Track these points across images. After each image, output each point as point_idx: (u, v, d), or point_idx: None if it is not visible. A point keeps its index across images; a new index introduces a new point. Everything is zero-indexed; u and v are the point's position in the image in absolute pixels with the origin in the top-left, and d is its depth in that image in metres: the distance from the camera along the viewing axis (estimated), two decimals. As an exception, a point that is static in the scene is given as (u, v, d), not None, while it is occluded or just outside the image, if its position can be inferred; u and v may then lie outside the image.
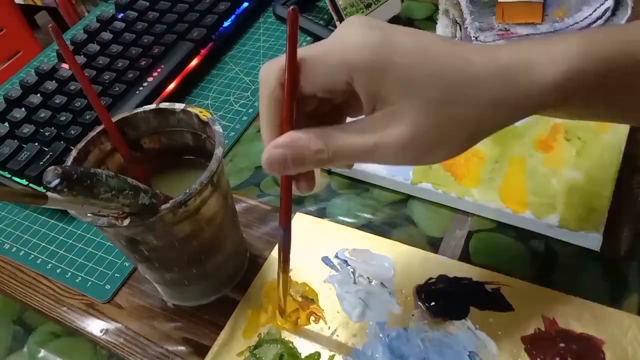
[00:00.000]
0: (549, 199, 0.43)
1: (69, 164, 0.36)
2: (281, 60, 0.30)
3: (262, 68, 0.32)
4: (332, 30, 0.63)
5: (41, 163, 0.52)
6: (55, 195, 0.28)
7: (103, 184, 0.29)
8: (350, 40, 0.29)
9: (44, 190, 0.27)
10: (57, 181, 0.26)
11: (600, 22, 0.54)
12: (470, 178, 0.46)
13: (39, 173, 0.52)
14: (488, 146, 0.48)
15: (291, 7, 0.29)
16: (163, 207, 0.33)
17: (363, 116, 0.31)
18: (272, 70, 0.31)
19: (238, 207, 0.49)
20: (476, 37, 0.58)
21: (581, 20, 0.55)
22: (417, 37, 0.29)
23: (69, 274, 0.47)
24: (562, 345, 0.36)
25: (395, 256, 0.43)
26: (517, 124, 0.48)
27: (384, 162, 0.30)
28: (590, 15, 0.55)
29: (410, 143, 0.29)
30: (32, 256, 0.49)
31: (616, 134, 0.46)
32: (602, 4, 0.54)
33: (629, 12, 0.54)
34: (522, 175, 0.45)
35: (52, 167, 0.26)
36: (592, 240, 0.41)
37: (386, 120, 0.29)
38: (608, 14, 0.54)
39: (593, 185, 0.43)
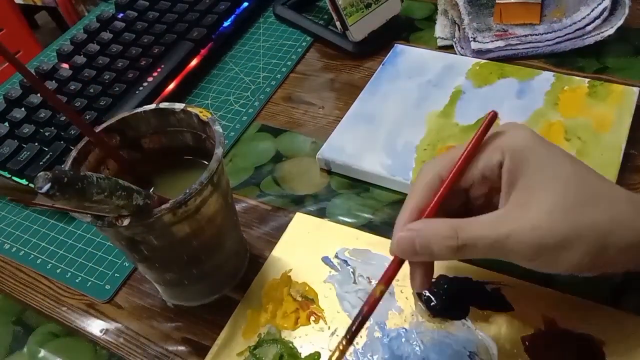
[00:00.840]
0: None
1: (69, 164, 0.36)
2: (448, 156, 0.34)
3: (428, 163, 0.35)
4: (332, 30, 0.64)
5: (41, 163, 0.52)
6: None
7: (94, 186, 0.29)
8: (508, 130, 0.33)
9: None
10: (48, 186, 0.26)
11: (598, 22, 0.54)
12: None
13: (39, 173, 0.51)
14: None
15: (493, 111, 0.33)
16: (163, 207, 0.33)
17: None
18: (436, 163, 0.34)
19: (238, 207, 0.49)
20: (474, 38, 0.58)
21: (579, 21, 0.55)
22: (562, 151, 0.32)
23: (69, 274, 0.47)
24: (562, 345, 0.36)
25: (395, 256, 0.43)
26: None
27: (513, 257, 0.30)
28: (588, 15, 0.55)
29: (543, 234, 0.29)
30: (32, 256, 0.49)
31: (617, 133, 0.46)
32: (600, 4, 0.54)
33: (627, 11, 0.54)
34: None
35: (42, 172, 0.26)
36: None
37: (522, 208, 0.30)
38: (606, 13, 0.54)
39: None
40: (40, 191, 0.26)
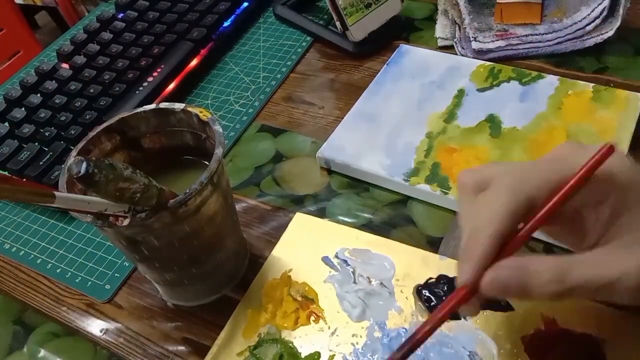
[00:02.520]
0: None
1: (69, 164, 0.36)
2: (533, 174, 0.30)
3: (506, 176, 0.30)
4: (332, 30, 0.64)
5: (41, 163, 0.52)
6: (62, 193, 0.28)
7: (118, 163, 0.29)
8: (609, 161, 0.28)
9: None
10: (84, 165, 0.27)
11: (597, 21, 0.54)
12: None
13: (39, 173, 0.52)
14: (488, 149, 0.48)
15: (610, 144, 0.28)
16: (178, 198, 0.33)
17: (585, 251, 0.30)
18: (523, 182, 0.29)
19: (238, 207, 0.49)
20: (475, 38, 0.58)
21: (579, 21, 0.55)
22: None
23: (69, 273, 0.47)
24: (562, 345, 0.36)
25: (395, 256, 0.43)
26: (518, 127, 0.49)
27: (620, 298, 0.29)
28: (588, 15, 0.55)
29: None
30: (32, 256, 0.49)
31: (619, 139, 0.46)
32: (600, 4, 0.54)
33: (622, 12, 0.54)
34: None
35: (72, 159, 0.27)
36: None
37: (629, 248, 0.28)
38: (605, 13, 0.54)
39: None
40: (79, 174, 0.27)
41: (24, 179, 0.53)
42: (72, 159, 0.27)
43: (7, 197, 0.26)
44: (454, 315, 0.39)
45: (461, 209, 0.32)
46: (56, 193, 0.28)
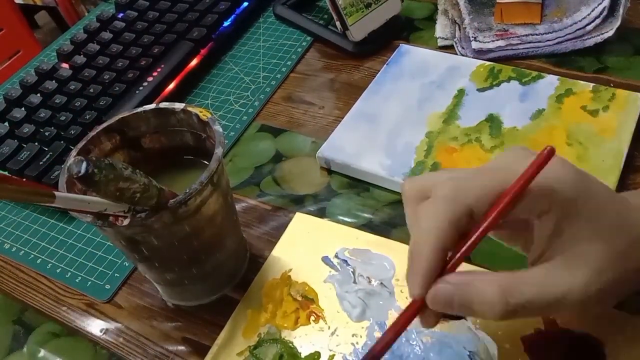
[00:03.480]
0: None
1: (69, 164, 0.36)
2: (472, 183, 0.29)
3: (444, 186, 0.29)
4: (332, 30, 0.64)
5: (41, 163, 0.52)
6: (62, 193, 0.28)
7: (118, 162, 0.29)
8: (553, 171, 0.28)
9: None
10: (84, 165, 0.27)
11: (597, 21, 0.54)
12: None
13: (39, 173, 0.52)
14: (488, 149, 0.48)
15: (550, 147, 0.28)
16: (178, 198, 0.33)
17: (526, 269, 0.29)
18: (460, 192, 0.29)
19: (238, 207, 0.49)
20: (475, 37, 0.58)
21: (579, 21, 0.55)
22: (605, 187, 0.30)
23: (69, 273, 0.47)
24: (562, 345, 0.36)
25: (395, 256, 0.43)
26: (518, 126, 0.49)
27: (564, 313, 0.30)
28: (588, 15, 0.55)
29: (595, 290, 0.28)
30: (32, 256, 0.49)
31: (619, 139, 0.46)
32: (600, 4, 0.54)
33: (622, 11, 0.54)
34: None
35: (72, 160, 0.27)
36: None
37: (572, 266, 0.28)
38: (605, 13, 0.54)
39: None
40: (79, 174, 0.27)
41: (24, 179, 0.53)
42: (72, 158, 0.27)
43: (7, 197, 0.26)
44: (454, 316, 0.39)
45: (407, 218, 0.32)
46: (56, 193, 0.28)
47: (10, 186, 0.26)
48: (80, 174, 0.27)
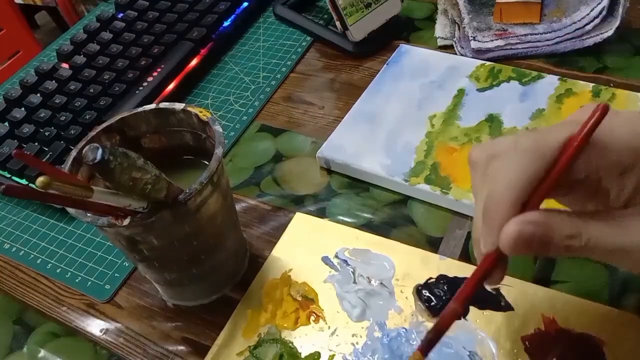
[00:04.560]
0: (546, 202, 0.43)
1: (69, 163, 0.36)
2: (559, 131, 0.29)
3: (534, 138, 0.29)
4: (332, 30, 0.64)
5: (41, 163, 0.52)
6: (98, 188, 0.28)
7: (133, 158, 0.29)
8: (631, 124, 0.28)
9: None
10: (100, 152, 0.27)
11: (596, 21, 0.54)
12: (468, 181, 0.45)
13: (39, 173, 0.52)
14: (488, 146, 0.48)
15: (604, 104, 0.28)
16: (189, 190, 0.33)
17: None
18: (549, 144, 0.28)
19: (238, 207, 0.49)
20: (474, 37, 0.58)
21: (578, 21, 0.55)
22: None
23: (69, 273, 0.47)
24: (562, 345, 0.36)
25: (395, 256, 0.43)
26: (518, 126, 0.49)
27: (633, 267, 0.29)
28: (587, 14, 0.55)
29: None
30: (32, 256, 0.49)
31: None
32: (599, 3, 0.54)
33: (621, 10, 0.54)
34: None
35: (87, 147, 0.27)
36: None
37: None
38: (604, 13, 0.54)
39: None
40: (95, 161, 0.26)
41: (24, 179, 0.53)
42: (85, 148, 0.27)
43: (54, 189, 0.26)
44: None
45: (474, 182, 0.32)
46: (94, 187, 0.28)
47: (60, 179, 0.26)
48: (96, 161, 0.27)
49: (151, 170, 0.31)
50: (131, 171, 0.29)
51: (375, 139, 0.51)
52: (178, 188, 0.34)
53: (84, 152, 0.27)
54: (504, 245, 0.28)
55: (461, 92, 0.53)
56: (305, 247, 0.45)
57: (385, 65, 0.58)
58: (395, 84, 0.56)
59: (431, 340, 0.29)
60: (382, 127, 0.52)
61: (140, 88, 0.60)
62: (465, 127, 0.50)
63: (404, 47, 0.60)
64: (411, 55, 0.59)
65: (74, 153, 0.37)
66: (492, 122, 0.50)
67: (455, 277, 0.41)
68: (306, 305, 0.41)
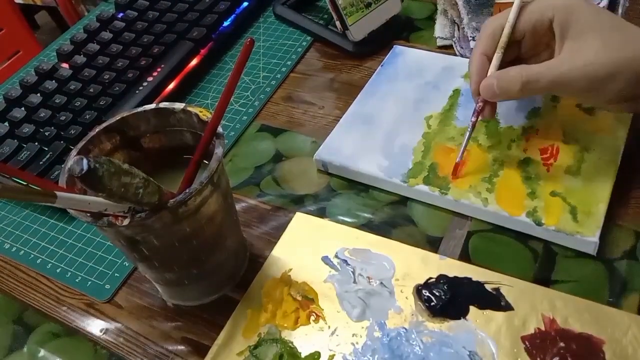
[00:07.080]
0: (546, 202, 0.43)
1: (69, 165, 0.36)
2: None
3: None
4: (332, 30, 0.64)
5: (41, 163, 0.52)
6: (63, 193, 0.28)
7: (118, 163, 0.29)
8: None
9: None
10: (86, 162, 0.27)
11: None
12: (466, 181, 0.46)
13: (39, 173, 0.52)
14: (485, 149, 0.48)
15: None
16: (177, 197, 0.33)
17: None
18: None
19: (238, 206, 0.49)
20: (473, 37, 0.58)
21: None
22: (598, 6, 0.41)
23: (69, 273, 0.47)
24: (562, 345, 0.36)
25: (395, 256, 0.43)
26: (514, 126, 0.49)
27: (571, 89, 0.40)
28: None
29: (594, 68, 0.38)
30: (32, 256, 0.49)
31: (615, 137, 0.46)
32: (599, 3, 0.54)
33: (621, 10, 0.54)
34: (519, 178, 0.45)
35: (73, 160, 0.27)
36: (588, 245, 0.40)
37: (575, 52, 0.39)
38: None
39: (590, 188, 0.43)
40: (82, 172, 0.27)
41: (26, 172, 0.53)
42: (71, 159, 0.27)
43: (10, 197, 0.26)
44: (454, 315, 0.39)
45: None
46: (58, 193, 0.28)
47: (12, 187, 0.26)
48: (83, 171, 0.27)
49: (138, 173, 0.31)
50: (120, 176, 0.29)
51: (372, 141, 0.50)
52: (169, 192, 0.34)
53: (69, 167, 0.27)
54: (482, 94, 0.43)
55: (457, 93, 0.53)
56: (305, 247, 0.45)
57: (379, 67, 0.58)
58: (391, 85, 0.56)
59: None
60: (379, 129, 0.52)
61: (140, 88, 0.60)
62: (462, 128, 0.50)
63: (397, 47, 0.60)
64: (405, 56, 0.59)
65: (74, 153, 0.37)
66: (489, 121, 0.50)
67: (455, 277, 0.41)
68: (306, 305, 0.41)
